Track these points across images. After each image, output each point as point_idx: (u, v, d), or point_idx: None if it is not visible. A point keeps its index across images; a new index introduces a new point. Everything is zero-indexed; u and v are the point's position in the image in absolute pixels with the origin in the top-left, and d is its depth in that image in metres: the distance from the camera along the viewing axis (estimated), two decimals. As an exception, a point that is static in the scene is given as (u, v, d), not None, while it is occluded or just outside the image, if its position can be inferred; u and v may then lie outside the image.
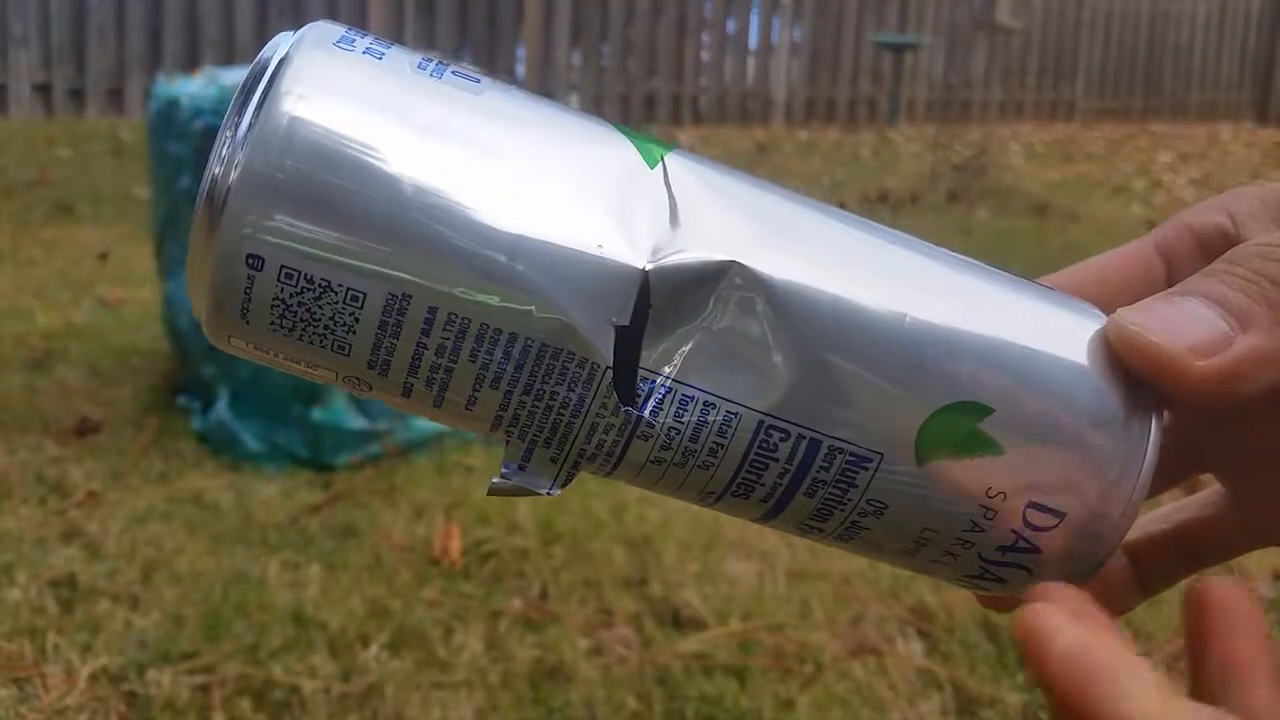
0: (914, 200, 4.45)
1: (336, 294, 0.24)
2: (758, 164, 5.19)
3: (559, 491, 0.26)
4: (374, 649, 1.34)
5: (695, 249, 0.25)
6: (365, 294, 0.24)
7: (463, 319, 0.24)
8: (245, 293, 0.24)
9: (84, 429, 1.89)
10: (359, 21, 5.94)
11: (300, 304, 0.24)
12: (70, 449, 1.83)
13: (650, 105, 6.66)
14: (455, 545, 1.57)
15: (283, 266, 0.24)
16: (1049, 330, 0.27)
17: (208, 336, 0.26)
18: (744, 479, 0.26)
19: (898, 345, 0.25)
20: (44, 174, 4.09)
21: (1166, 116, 8.23)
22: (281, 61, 0.24)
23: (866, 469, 0.26)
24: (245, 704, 1.24)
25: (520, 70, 6.25)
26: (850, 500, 0.26)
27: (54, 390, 2.07)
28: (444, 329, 0.24)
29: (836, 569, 1.55)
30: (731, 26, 6.93)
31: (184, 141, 1.88)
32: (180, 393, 2.01)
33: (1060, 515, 0.26)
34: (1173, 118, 8.23)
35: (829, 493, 0.26)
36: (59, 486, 1.71)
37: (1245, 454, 0.31)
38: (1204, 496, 0.33)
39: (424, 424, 1.87)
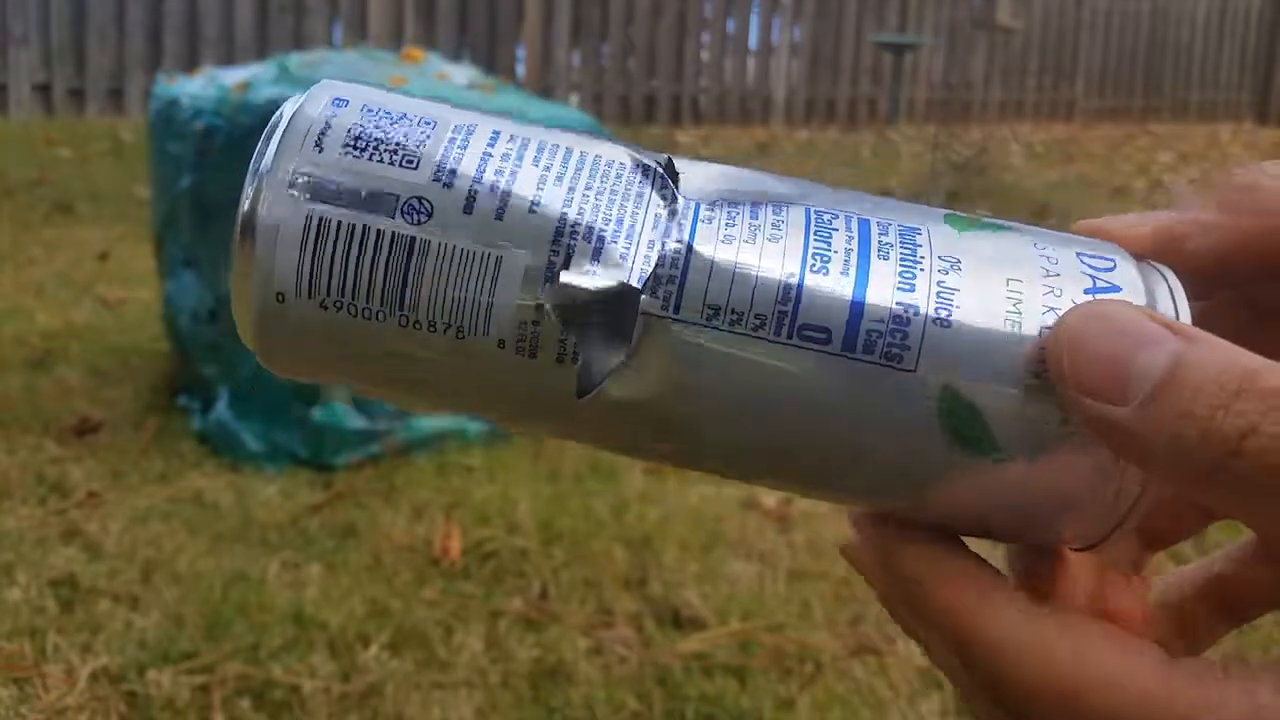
0: (914, 200, 4.44)
1: (411, 121, 0.27)
2: (758, 164, 5.16)
3: (639, 284, 0.25)
4: (374, 649, 1.34)
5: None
6: (436, 121, 0.27)
7: (523, 138, 0.27)
8: (327, 123, 0.26)
9: (84, 429, 1.89)
10: (359, 21, 5.94)
11: (377, 126, 0.27)
12: (70, 449, 1.83)
13: (650, 105, 6.66)
14: (455, 545, 1.57)
15: (364, 105, 0.27)
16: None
17: (271, 162, 0.26)
18: (816, 249, 0.26)
19: None
20: (44, 174, 4.09)
21: (1166, 116, 8.23)
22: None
23: (921, 234, 0.27)
24: (245, 704, 1.24)
25: (520, 70, 6.25)
26: (923, 257, 0.26)
27: (54, 390, 2.07)
28: (508, 142, 0.27)
29: (836, 569, 1.55)
30: (731, 26, 6.93)
31: (184, 141, 1.88)
32: (180, 393, 2.01)
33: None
34: (1173, 118, 8.23)
35: (901, 253, 0.26)
36: (59, 486, 1.71)
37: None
38: (1241, 545, 0.31)
39: (424, 424, 1.86)
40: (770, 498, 1.75)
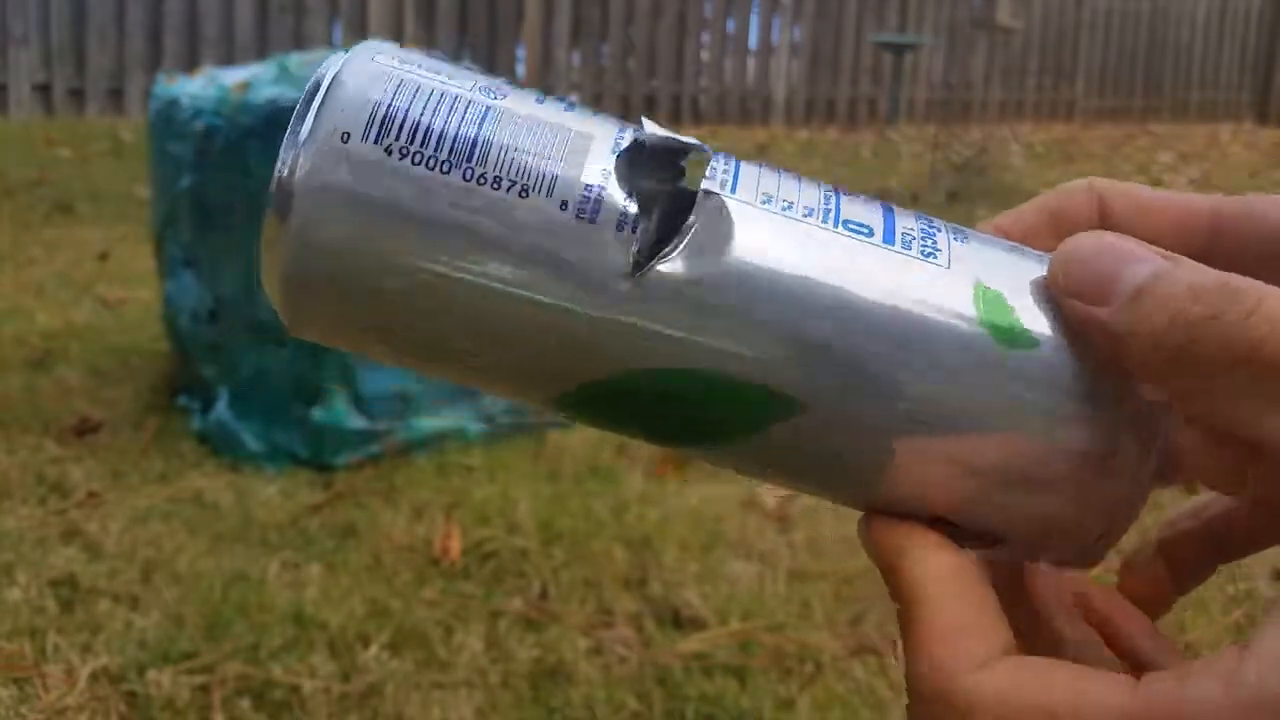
0: (914, 200, 4.45)
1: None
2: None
3: (705, 150, 0.27)
4: (374, 649, 1.34)
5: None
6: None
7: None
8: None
9: (84, 429, 1.89)
10: (359, 22, 5.94)
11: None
12: (70, 449, 1.83)
13: (650, 105, 6.66)
14: (455, 545, 1.57)
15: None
16: None
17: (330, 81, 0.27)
18: (844, 192, 0.29)
19: None
20: (44, 174, 4.09)
21: (1166, 116, 8.23)
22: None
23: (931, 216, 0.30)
24: (245, 704, 1.24)
25: (520, 70, 6.25)
26: (934, 219, 0.29)
27: (54, 390, 2.07)
28: None
29: (836, 569, 1.55)
30: (731, 26, 6.94)
31: (184, 141, 1.88)
32: (180, 393, 2.01)
33: None
34: (1173, 118, 8.23)
35: (915, 211, 0.29)
36: (59, 486, 1.71)
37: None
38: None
39: (424, 424, 1.86)
40: (770, 497, 1.75)
